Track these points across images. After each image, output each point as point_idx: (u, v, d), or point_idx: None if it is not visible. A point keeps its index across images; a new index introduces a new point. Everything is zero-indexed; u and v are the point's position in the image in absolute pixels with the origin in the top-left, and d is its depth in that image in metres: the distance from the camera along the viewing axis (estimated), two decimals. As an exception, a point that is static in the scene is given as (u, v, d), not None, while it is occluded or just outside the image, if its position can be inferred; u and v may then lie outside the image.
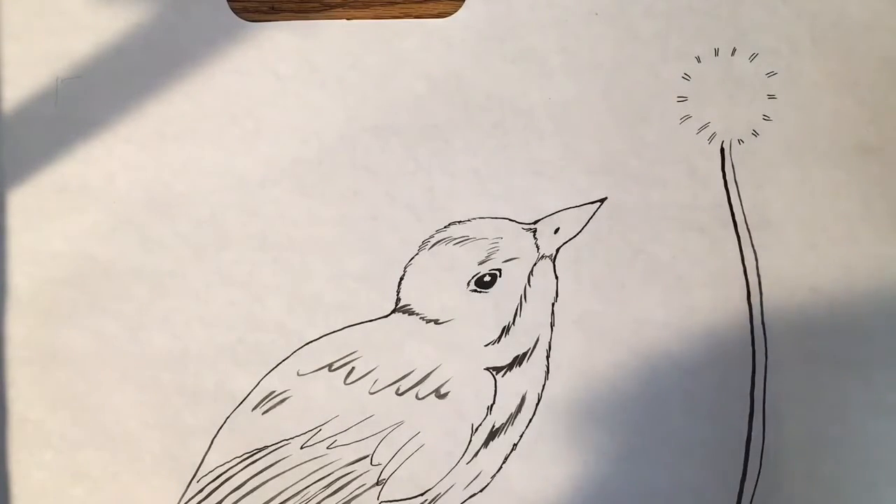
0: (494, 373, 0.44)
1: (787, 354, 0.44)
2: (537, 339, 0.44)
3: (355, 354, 0.44)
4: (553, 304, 0.44)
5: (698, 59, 0.44)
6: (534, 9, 0.45)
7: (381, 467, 0.43)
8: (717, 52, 0.44)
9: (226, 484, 0.43)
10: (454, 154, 0.45)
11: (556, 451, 0.44)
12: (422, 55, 0.45)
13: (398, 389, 0.43)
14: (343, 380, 0.44)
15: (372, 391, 0.43)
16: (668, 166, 0.44)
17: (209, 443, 0.43)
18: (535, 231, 0.44)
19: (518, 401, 0.44)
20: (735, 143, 0.44)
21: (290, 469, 0.43)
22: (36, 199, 0.44)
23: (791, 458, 0.43)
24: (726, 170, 0.44)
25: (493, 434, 0.43)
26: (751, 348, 0.44)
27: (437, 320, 0.44)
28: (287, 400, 0.44)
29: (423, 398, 0.43)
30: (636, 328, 0.44)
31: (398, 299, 0.44)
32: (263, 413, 0.44)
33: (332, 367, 0.44)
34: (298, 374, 0.44)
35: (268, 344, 0.44)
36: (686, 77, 0.44)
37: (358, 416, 0.43)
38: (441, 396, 0.44)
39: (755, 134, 0.44)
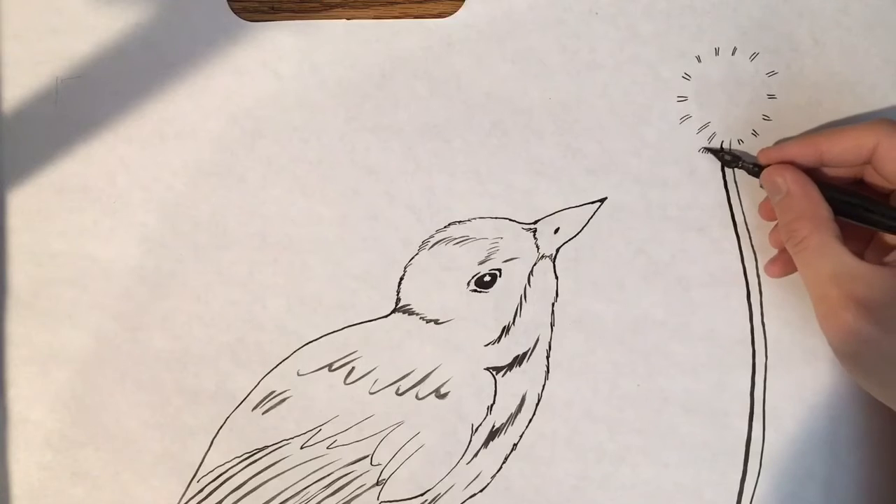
0: (494, 373, 0.44)
1: (787, 354, 0.44)
2: (537, 339, 0.44)
3: (355, 354, 0.44)
4: (553, 304, 0.44)
5: (698, 59, 0.44)
6: (534, 9, 0.45)
7: (381, 467, 0.43)
8: (717, 52, 0.44)
9: (226, 484, 0.43)
10: (454, 154, 0.44)
11: (556, 451, 0.44)
12: (422, 55, 0.45)
13: (398, 389, 0.43)
14: (343, 380, 0.44)
15: (372, 391, 0.43)
16: (668, 166, 0.44)
17: (209, 443, 0.43)
18: (535, 231, 0.44)
19: (518, 401, 0.44)
20: (735, 143, 0.44)
21: (290, 469, 0.43)
22: (36, 199, 0.44)
23: (791, 458, 0.43)
24: (726, 170, 0.44)
25: (493, 434, 0.43)
26: (751, 348, 0.44)
27: (437, 320, 0.44)
28: (287, 400, 0.44)
29: (423, 398, 0.43)
30: (636, 328, 0.44)
31: (398, 299, 0.44)
32: (263, 413, 0.44)
33: (332, 367, 0.44)
34: (298, 374, 0.44)
35: (268, 344, 0.44)
36: (686, 77, 0.44)
37: (358, 416, 0.43)
38: (441, 396, 0.44)
39: (755, 134, 0.44)
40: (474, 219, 0.44)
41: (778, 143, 0.43)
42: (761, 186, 0.42)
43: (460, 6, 0.45)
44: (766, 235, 0.44)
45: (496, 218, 0.44)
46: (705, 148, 0.44)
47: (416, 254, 0.44)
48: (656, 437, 0.44)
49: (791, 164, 0.41)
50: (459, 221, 0.44)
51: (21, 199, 0.44)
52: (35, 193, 0.44)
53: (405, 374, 0.44)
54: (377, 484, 0.43)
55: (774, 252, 0.43)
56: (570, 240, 0.44)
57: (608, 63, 0.45)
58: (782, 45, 0.44)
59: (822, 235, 0.39)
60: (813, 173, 0.41)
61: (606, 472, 0.43)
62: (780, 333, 0.44)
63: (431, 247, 0.44)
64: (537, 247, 0.44)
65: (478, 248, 0.44)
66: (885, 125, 0.40)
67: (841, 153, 0.40)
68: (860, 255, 0.39)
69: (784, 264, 0.43)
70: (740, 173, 0.44)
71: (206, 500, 0.43)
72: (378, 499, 0.43)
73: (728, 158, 0.43)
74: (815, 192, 0.40)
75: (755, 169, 0.42)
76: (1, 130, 0.44)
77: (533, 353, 0.44)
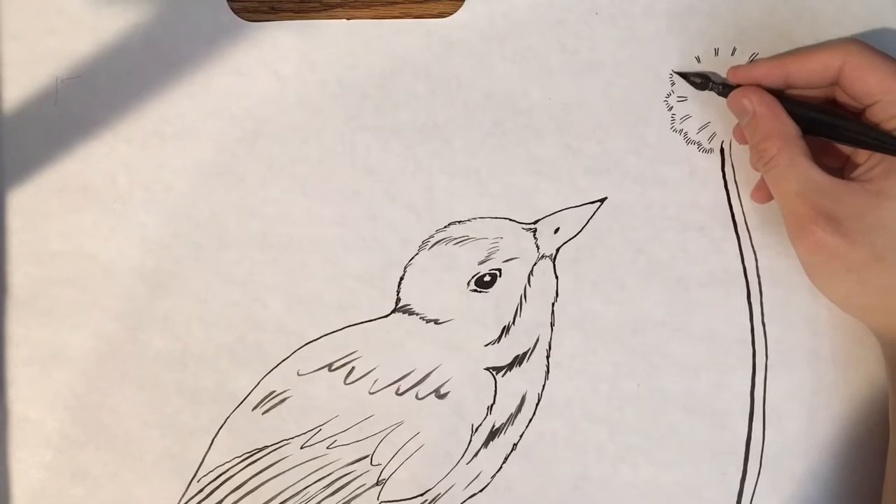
0: (494, 373, 0.44)
1: (787, 354, 0.44)
2: (537, 339, 0.44)
3: (355, 354, 0.44)
4: (553, 304, 0.44)
5: (698, 59, 0.44)
6: (534, 8, 0.45)
7: (381, 467, 0.43)
8: (717, 52, 0.44)
9: (226, 484, 0.43)
10: (454, 154, 0.44)
11: (556, 451, 0.44)
12: (422, 55, 0.45)
13: (398, 389, 0.44)
14: (343, 380, 0.44)
15: (372, 391, 0.43)
16: (668, 166, 0.44)
17: (209, 443, 0.43)
18: (535, 231, 0.44)
19: (518, 401, 0.44)
20: (735, 142, 0.44)
21: (290, 469, 0.43)
22: (36, 199, 0.44)
23: (791, 458, 0.43)
24: (726, 170, 0.44)
25: (493, 434, 0.43)
26: (751, 348, 0.44)
27: (437, 320, 0.44)
28: (287, 400, 0.44)
29: (423, 398, 0.43)
30: (636, 328, 0.44)
31: (398, 299, 0.44)
32: (263, 413, 0.44)
33: (332, 367, 0.44)
34: (298, 374, 0.44)
35: (268, 344, 0.44)
36: (686, 77, 0.44)
37: (358, 416, 0.43)
38: (441, 396, 0.44)
39: (755, 134, 0.44)
40: (474, 219, 0.44)
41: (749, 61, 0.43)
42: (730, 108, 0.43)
43: (460, 6, 0.45)
44: (766, 235, 0.44)
45: (496, 218, 0.44)
46: (674, 72, 0.44)
47: (416, 254, 0.44)
48: (656, 437, 0.44)
49: (759, 85, 0.41)
50: (459, 221, 0.44)
51: (21, 199, 0.44)
52: (35, 193, 0.44)
53: (405, 374, 0.44)
54: (377, 484, 0.43)
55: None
56: (570, 240, 0.44)
57: (608, 63, 0.45)
58: (782, 46, 0.44)
59: (790, 153, 0.39)
60: (784, 94, 0.41)
61: (606, 472, 0.43)
62: (780, 333, 0.44)
63: (431, 247, 0.44)
64: (537, 247, 0.44)
65: (478, 248, 0.44)
66: (850, 45, 0.40)
67: (808, 75, 0.40)
68: (838, 173, 0.39)
69: (768, 190, 0.42)
70: (740, 172, 0.44)
71: (206, 500, 0.43)
72: (378, 499, 0.43)
73: (698, 81, 0.43)
74: (781, 111, 0.40)
75: (724, 90, 0.42)
76: (1, 130, 0.44)
77: (533, 353, 0.44)
